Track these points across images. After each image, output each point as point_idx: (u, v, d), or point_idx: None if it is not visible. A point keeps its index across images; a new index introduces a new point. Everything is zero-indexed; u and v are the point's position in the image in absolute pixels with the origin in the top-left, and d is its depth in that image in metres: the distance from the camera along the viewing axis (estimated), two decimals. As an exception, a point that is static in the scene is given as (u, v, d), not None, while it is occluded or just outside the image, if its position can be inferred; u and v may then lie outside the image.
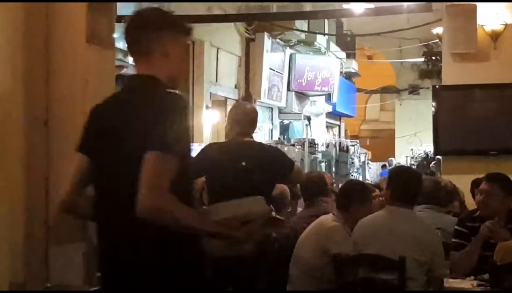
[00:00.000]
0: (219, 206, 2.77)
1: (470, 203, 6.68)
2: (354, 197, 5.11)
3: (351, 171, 18.38)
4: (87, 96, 3.68)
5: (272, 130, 17.54)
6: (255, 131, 5.24)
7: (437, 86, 8.86)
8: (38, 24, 3.62)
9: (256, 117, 5.23)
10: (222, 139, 5.38)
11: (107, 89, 3.88)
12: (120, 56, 9.71)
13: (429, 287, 4.52)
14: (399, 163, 19.93)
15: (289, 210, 6.68)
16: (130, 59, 11.09)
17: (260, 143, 5.73)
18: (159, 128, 2.60)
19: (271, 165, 5.06)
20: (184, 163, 2.65)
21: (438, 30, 11.80)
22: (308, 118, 18.52)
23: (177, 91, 2.80)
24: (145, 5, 11.32)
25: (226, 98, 14.47)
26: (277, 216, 2.87)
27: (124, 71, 10.44)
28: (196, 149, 11.56)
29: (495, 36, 8.13)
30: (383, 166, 20.69)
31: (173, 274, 2.65)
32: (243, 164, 4.90)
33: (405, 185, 4.69)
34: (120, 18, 8.42)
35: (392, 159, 21.36)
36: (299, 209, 6.61)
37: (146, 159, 2.55)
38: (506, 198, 4.93)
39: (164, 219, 2.55)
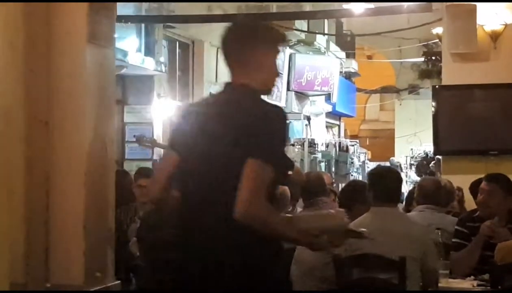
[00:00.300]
0: (303, 216, 2.97)
1: (468, 204, 6.69)
2: (357, 197, 5.12)
3: (350, 171, 18.38)
4: (87, 97, 3.68)
5: (272, 130, 17.50)
6: None
7: (437, 86, 8.87)
8: (38, 24, 3.62)
9: None
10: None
11: (108, 89, 3.89)
12: (120, 56, 9.72)
13: (424, 281, 4.54)
14: (399, 163, 19.93)
15: (289, 210, 6.69)
16: (130, 59, 11.00)
17: None
18: (262, 138, 2.74)
19: None
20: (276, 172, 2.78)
21: (438, 30, 11.79)
22: (308, 118, 18.51)
23: (277, 104, 2.95)
24: (145, 5, 11.28)
25: (226, 98, 14.46)
26: (354, 229, 3.05)
27: (124, 71, 10.45)
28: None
29: (495, 36, 8.14)
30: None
31: (258, 277, 2.80)
32: None
33: (387, 184, 4.70)
34: (120, 18, 8.44)
35: (393, 158, 21.34)
36: (299, 209, 6.62)
37: (248, 166, 2.70)
38: (506, 198, 4.95)
39: (259, 224, 2.70)
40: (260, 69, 2.96)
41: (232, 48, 3.02)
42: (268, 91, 3.02)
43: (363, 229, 3.19)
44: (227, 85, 3.03)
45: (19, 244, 3.54)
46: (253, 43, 2.96)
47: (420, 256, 4.49)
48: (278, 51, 3.02)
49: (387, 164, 19.45)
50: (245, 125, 2.78)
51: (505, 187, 4.99)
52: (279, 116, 2.84)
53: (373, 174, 4.99)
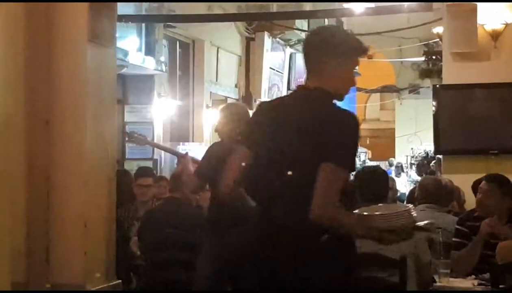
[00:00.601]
0: (376, 215, 3.03)
1: (470, 203, 6.69)
2: (357, 196, 5.11)
3: (351, 170, 18.34)
4: (88, 96, 3.68)
5: (272, 129, 17.50)
6: None
7: (437, 86, 8.86)
8: (39, 24, 3.62)
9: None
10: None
11: (108, 88, 3.89)
12: (120, 55, 9.71)
13: (418, 276, 4.55)
14: (400, 163, 19.92)
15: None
16: (130, 59, 10.96)
17: None
18: (336, 143, 2.89)
19: None
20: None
21: (438, 29, 11.79)
22: (308, 118, 18.51)
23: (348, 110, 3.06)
24: (145, 5, 11.27)
25: (226, 98, 14.47)
26: (421, 225, 3.13)
27: (124, 70, 10.44)
28: (195, 149, 11.53)
29: (495, 36, 8.13)
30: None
31: (334, 275, 2.97)
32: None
33: (375, 184, 4.72)
34: (120, 18, 8.43)
35: (393, 159, 21.34)
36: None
37: (323, 170, 2.85)
38: (503, 198, 4.97)
39: (333, 224, 2.89)
40: (336, 76, 3.06)
41: (311, 52, 3.11)
42: (340, 98, 3.13)
43: (428, 221, 3.26)
44: (301, 87, 3.17)
45: (20, 244, 3.54)
46: (332, 50, 3.05)
47: (412, 250, 4.51)
48: (356, 62, 3.12)
49: (387, 163, 19.48)
50: (319, 130, 2.91)
51: (504, 187, 5.01)
52: (351, 122, 2.98)
53: (359, 174, 4.99)
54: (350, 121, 2.97)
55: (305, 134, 2.94)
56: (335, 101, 3.10)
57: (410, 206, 3.12)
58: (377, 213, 3.02)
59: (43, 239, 3.64)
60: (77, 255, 3.64)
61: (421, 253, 4.55)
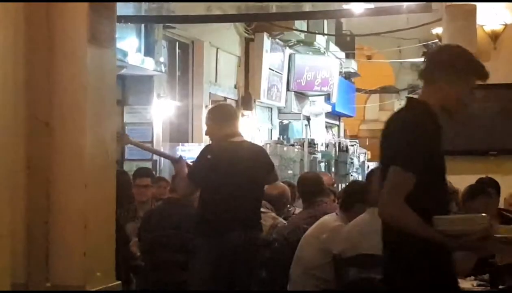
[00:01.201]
0: (445, 218, 3.15)
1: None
2: (357, 197, 5.12)
3: (350, 171, 18.38)
4: (88, 97, 3.68)
5: (271, 130, 17.55)
6: None
7: (436, 87, 8.86)
8: (39, 25, 3.62)
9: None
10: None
11: (108, 89, 3.89)
12: (120, 56, 9.71)
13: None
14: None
15: (290, 209, 6.70)
16: (130, 60, 10.92)
17: (252, 142, 5.87)
18: (402, 147, 3.08)
19: (264, 164, 5.22)
20: (427, 179, 3.16)
21: (437, 30, 11.78)
22: (308, 118, 18.54)
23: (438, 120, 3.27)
24: (144, 6, 11.21)
25: (225, 98, 14.48)
26: (505, 235, 3.25)
27: (123, 71, 10.45)
28: (195, 150, 11.51)
29: (494, 37, 8.14)
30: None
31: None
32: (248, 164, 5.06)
33: (369, 185, 4.78)
34: (120, 18, 8.43)
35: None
36: (298, 210, 6.62)
37: (389, 171, 3.06)
38: (494, 203, 5.03)
39: (397, 223, 3.05)
40: (450, 94, 3.23)
41: (432, 67, 3.27)
42: (449, 115, 3.34)
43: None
44: (407, 98, 3.38)
45: (20, 244, 3.54)
46: (454, 70, 3.20)
47: None
48: (471, 84, 3.26)
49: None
50: (395, 135, 3.14)
51: (498, 190, 5.09)
52: (421, 128, 3.14)
53: (369, 175, 5.02)
54: (419, 127, 3.13)
55: (388, 139, 3.17)
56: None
57: (484, 214, 3.19)
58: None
59: (43, 240, 3.64)
60: (77, 256, 3.64)
61: None
